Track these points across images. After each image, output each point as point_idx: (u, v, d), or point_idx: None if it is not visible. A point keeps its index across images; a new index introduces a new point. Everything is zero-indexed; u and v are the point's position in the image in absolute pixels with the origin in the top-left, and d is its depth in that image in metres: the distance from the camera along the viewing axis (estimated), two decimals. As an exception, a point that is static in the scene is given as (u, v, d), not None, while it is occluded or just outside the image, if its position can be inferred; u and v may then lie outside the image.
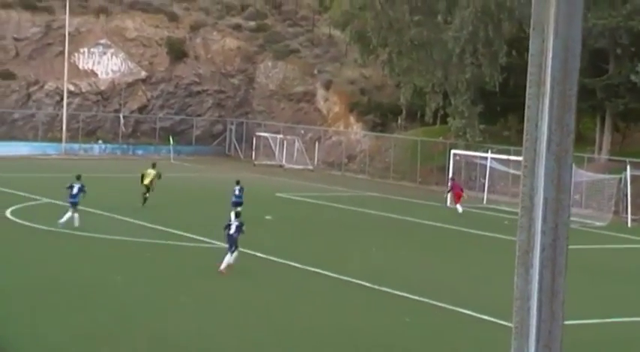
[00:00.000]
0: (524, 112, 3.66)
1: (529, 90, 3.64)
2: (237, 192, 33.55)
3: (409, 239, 32.60)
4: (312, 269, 24.61)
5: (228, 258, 23.49)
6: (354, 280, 23.26)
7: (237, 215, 25.49)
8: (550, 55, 3.54)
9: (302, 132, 64.99)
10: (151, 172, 35.81)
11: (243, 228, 23.80)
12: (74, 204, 29.20)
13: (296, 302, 21.13)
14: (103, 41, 67.95)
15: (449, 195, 41.60)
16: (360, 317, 19.92)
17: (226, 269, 23.28)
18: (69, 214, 29.07)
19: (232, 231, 23.69)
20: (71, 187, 29.39)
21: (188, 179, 49.49)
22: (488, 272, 26.38)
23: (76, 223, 28.90)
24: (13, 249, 25.80)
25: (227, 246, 23.75)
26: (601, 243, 33.07)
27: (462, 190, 40.66)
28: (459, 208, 39.45)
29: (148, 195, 35.12)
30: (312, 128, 65.08)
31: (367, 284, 22.83)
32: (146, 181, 35.46)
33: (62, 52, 64.35)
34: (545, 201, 3.60)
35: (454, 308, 20.84)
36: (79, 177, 30.16)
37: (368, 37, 54.07)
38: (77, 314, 18.52)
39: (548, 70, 3.56)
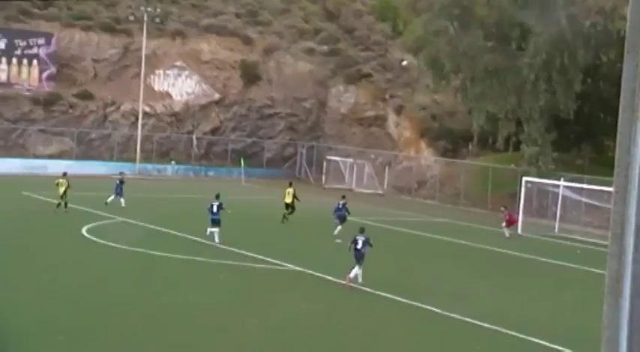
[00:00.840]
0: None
1: (621, 116, 3.56)
2: (340, 206, 36.91)
3: (480, 266, 32.20)
4: (380, 293, 24.46)
5: (357, 270, 24.82)
6: (424, 306, 23.06)
7: (362, 230, 26.26)
8: (645, 80, 3.46)
9: (372, 156, 65.00)
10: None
11: (370, 241, 25.21)
12: (215, 221, 31.80)
13: (371, 327, 21.01)
14: (178, 63, 69.14)
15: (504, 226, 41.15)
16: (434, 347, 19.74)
17: (351, 281, 24.62)
18: (212, 229, 31.67)
19: (359, 246, 25.04)
20: (211, 206, 32.03)
21: (259, 202, 49.82)
22: (559, 301, 25.87)
23: (217, 239, 31.20)
24: (85, 265, 26.26)
25: (355, 260, 24.96)
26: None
27: (514, 219, 40.62)
28: (506, 232, 39.72)
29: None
30: (382, 152, 65.04)
31: (437, 310, 22.61)
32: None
33: (138, 74, 65.68)
34: (637, 229, 3.51)
35: (525, 337, 20.47)
36: (217, 196, 32.82)
37: (441, 62, 53.94)
38: (148, 334, 18.70)
39: (642, 96, 3.47)
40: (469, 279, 28.64)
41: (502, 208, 42.94)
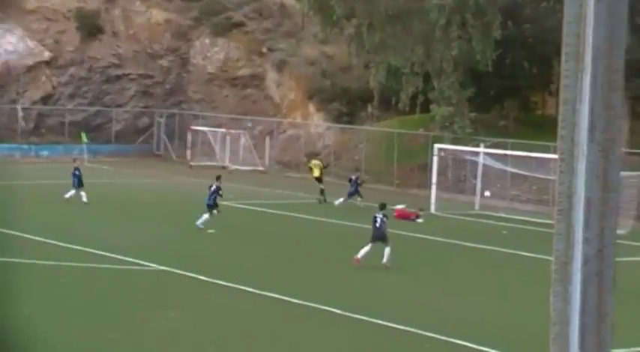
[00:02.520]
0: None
1: (565, 66, 3.68)
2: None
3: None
4: (269, 294, 24.59)
5: (367, 250, 28.78)
6: (320, 306, 23.28)
7: (383, 207, 30.30)
8: (591, 22, 3.58)
9: (249, 124, 64.96)
10: None
11: (385, 219, 29.35)
12: (208, 206, 35.69)
13: (254, 336, 21.11)
14: (-5, 14, 67.29)
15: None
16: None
17: (387, 263, 28.54)
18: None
19: (378, 224, 29.04)
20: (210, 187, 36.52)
21: (110, 186, 49.12)
22: (483, 294, 26.56)
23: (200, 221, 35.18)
24: None
25: (373, 239, 28.94)
26: (621, 256, 33.40)
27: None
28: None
29: None
30: (262, 120, 65.05)
31: (337, 311, 22.88)
32: None
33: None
34: (588, 202, 3.64)
35: (448, 339, 20.96)
36: (218, 178, 37.59)
37: (330, 6, 54.18)
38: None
39: (589, 41, 3.60)
40: (374, 272, 29.06)
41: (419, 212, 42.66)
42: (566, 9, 3.72)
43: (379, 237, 29.04)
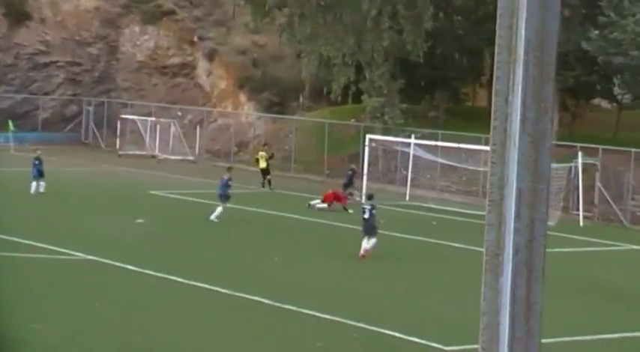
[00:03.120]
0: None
1: (498, 58, 3.71)
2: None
3: (314, 243, 32.74)
4: (203, 285, 24.52)
5: (365, 244, 28.86)
6: (250, 297, 23.28)
7: (370, 197, 31.24)
8: (524, 14, 3.61)
9: (179, 114, 64.59)
10: None
11: (374, 211, 29.43)
12: (220, 196, 36.61)
13: (188, 325, 21.01)
14: None
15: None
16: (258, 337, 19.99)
17: (366, 253, 28.79)
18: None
19: (367, 215, 29.19)
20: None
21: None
22: (413, 284, 26.78)
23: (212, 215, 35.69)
24: None
25: (362, 231, 29.36)
26: (549, 247, 33.89)
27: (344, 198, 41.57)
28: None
29: None
30: (192, 109, 64.76)
31: (267, 301, 22.89)
32: None
33: None
34: (519, 193, 3.67)
35: (377, 328, 21.08)
36: (229, 169, 39.41)
37: (261, -5, 54.03)
38: None
39: (522, 33, 3.63)
40: (303, 263, 29.11)
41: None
42: (499, 1, 3.75)
43: (366, 229, 29.35)
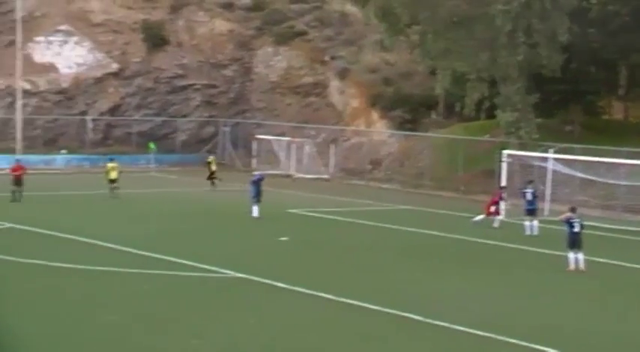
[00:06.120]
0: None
1: None
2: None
3: (459, 261, 32.28)
4: (348, 301, 24.31)
5: (574, 259, 29.37)
6: (404, 314, 22.96)
7: (573, 210, 30.39)
8: None
9: (313, 133, 64.83)
10: None
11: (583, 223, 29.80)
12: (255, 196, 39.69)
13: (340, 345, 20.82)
14: (63, 27, 67.97)
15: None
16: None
17: (578, 268, 29.21)
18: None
19: (577, 229, 29.32)
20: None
21: (175, 195, 49.26)
22: (556, 298, 26.11)
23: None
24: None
25: (571, 245, 29.49)
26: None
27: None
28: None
29: None
30: (325, 128, 64.91)
31: (419, 318, 22.54)
32: None
33: (13, 42, 64.20)
34: None
35: (536, 346, 20.56)
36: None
37: (394, 13, 53.83)
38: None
39: None
40: (448, 279, 28.66)
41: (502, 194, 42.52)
42: None
43: (577, 242, 29.48)
